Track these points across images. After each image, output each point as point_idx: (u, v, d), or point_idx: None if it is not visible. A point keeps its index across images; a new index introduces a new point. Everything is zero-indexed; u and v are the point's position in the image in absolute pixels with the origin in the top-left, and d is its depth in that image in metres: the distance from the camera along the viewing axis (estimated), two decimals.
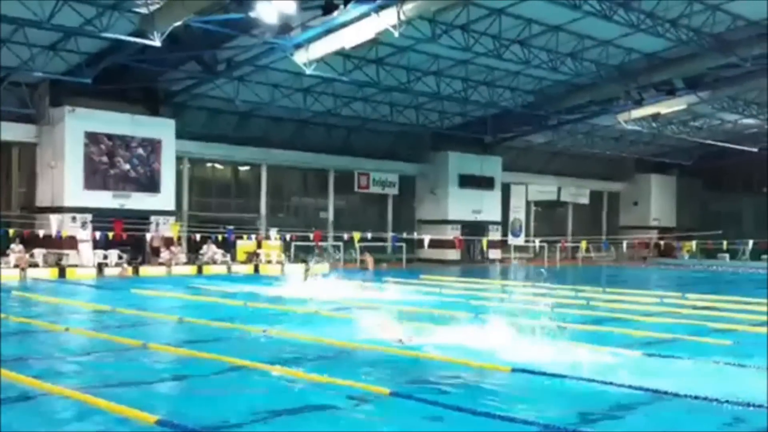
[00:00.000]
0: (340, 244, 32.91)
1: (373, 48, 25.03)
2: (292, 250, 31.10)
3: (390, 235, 35.57)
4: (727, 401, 7.77)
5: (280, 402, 7.84)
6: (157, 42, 20.56)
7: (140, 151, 27.89)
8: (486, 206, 38.75)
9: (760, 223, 44.33)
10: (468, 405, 7.60)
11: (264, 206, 34.06)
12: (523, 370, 9.43)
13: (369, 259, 31.99)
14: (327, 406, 7.70)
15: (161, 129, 28.40)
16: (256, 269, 29.21)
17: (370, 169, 36.69)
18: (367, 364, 9.93)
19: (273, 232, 31.08)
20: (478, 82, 29.97)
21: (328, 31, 22.66)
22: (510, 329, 11.50)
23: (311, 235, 31.52)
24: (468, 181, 37.78)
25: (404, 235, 35.13)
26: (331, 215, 36.26)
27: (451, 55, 26.64)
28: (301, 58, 24.16)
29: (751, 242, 39.20)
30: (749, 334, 13.14)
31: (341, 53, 24.51)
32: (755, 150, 40.57)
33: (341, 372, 9.10)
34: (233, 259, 29.85)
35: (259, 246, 30.70)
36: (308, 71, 24.68)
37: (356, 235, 32.00)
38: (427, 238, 33.72)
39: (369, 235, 32.76)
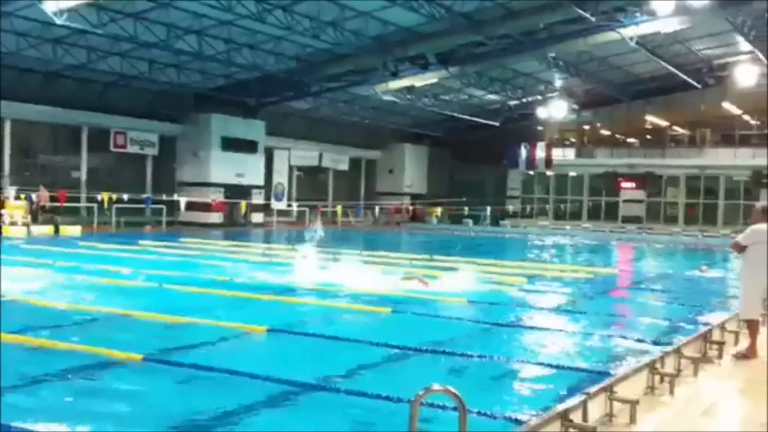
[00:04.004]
0: (94, 205, 31.40)
1: (130, 1, 23.99)
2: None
3: (145, 196, 34.36)
4: (462, 354, 8.70)
5: (29, 371, 7.57)
6: None
7: None
8: (249, 170, 38.70)
9: (499, 192, 48.64)
10: (224, 366, 7.81)
11: (7, 164, 31.45)
12: (280, 330, 9.87)
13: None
14: (75, 372, 7.59)
15: None
16: None
17: (128, 127, 35.10)
18: (115, 330, 9.88)
19: (12, 191, 28.85)
20: (241, 44, 29.72)
21: None
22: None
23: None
24: (231, 144, 37.46)
25: (163, 197, 34.23)
26: (84, 175, 34.30)
27: (214, 14, 26.16)
28: (50, 6, 22.51)
29: (489, 209, 43.00)
30: (483, 292, 14.54)
31: (95, 4, 23.27)
32: (497, 124, 44.22)
33: (89, 339, 8.94)
34: None
35: (1, 206, 28.39)
36: (58, 21, 23.09)
37: (106, 196, 30.71)
38: (183, 200, 33.04)
39: (125, 197, 31.57)
